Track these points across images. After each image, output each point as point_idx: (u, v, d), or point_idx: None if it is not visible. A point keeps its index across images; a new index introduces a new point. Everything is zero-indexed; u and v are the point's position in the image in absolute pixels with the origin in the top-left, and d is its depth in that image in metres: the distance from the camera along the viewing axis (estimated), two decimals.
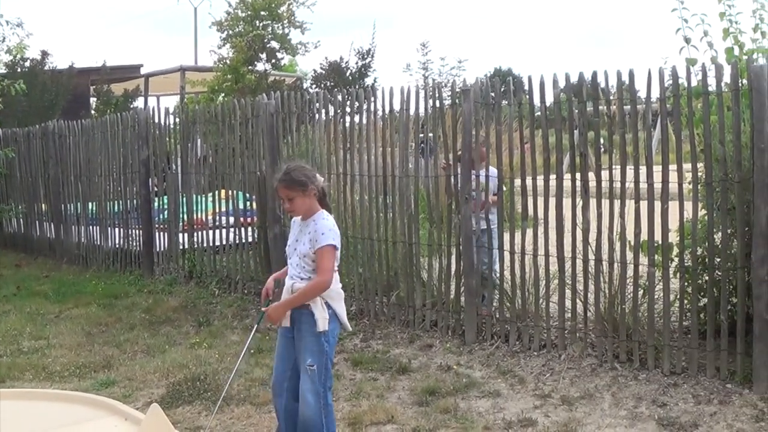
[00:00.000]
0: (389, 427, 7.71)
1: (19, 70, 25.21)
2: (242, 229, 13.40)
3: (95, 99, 31.02)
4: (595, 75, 8.77)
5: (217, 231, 13.90)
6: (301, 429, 6.64)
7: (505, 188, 9.98)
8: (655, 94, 8.51)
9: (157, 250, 15.11)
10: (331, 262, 6.52)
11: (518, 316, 9.49)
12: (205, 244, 14.11)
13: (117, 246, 16.00)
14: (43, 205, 18.49)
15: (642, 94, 8.65)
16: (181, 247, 14.61)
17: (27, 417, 8.02)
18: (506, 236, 9.58)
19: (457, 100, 10.36)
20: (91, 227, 16.80)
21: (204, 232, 14.19)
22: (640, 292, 8.66)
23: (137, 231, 15.44)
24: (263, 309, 6.76)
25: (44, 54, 27.61)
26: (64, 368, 9.90)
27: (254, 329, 7.12)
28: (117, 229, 16.09)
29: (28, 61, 26.50)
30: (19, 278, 15.97)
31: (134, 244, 15.56)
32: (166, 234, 14.95)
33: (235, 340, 10.76)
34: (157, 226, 15.23)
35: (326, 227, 6.52)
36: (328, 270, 6.50)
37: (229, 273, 13.32)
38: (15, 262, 17.82)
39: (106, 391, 8.93)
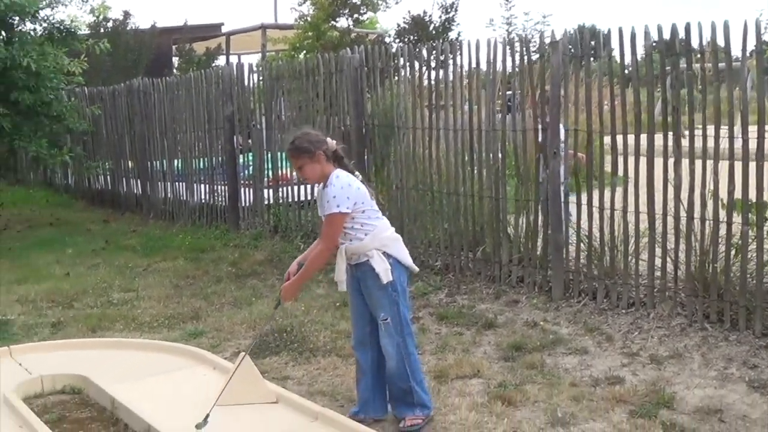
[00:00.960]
0: (475, 381, 7.71)
1: (102, 30, 25.51)
2: None
3: (177, 58, 31.31)
4: (688, 27, 8.58)
5: (302, 186, 13.96)
6: (388, 381, 6.75)
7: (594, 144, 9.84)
8: (751, 47, 8.31)
9: (243, 205, 15.30)
10: (335, 228, 6.49)
11: (606, 273, 9.37)
12: (290, 200, 14.22)
13: (203, 201, 16.21)
14: (129, 162, 18.73)
15: (736, 48, 8.45)
16: (266, 202, 14.78)
17: (118, 365, 8.21)
18: (595, 193, 9.46)
19: (544, 54, 10.23)
20: (177, 183, 17.04)
21: (289, 187, 14.30)
22: (733, 252, 8.48)
23: (223, 186, 15.61)
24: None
25: (126, 14, 27.93)
26: (153, 319, 10.09)
27: (274, 310, 7.09)
28: (203, 185, 16.29)
29: (111, 21, 26.79)
30: (108, 233, 16.27)
31: (220, 199, 15.75)
32: (251, 189, 15.10)
33: (321, 293, 10.84)
34: (242, 181, 15.35)
35: (333, 192, 6.44)
36: (330, 237, 6.52)
37: (313, 227, 13.33)
38: (103, 218, 18.14)
39: (194, 342, 9.09)
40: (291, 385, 7.77)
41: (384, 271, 6.50)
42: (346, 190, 6.44)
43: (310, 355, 8.53)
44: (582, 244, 9.66)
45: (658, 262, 9.01)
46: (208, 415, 6.39)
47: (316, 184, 6.75)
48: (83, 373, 7.96)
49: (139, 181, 18.38)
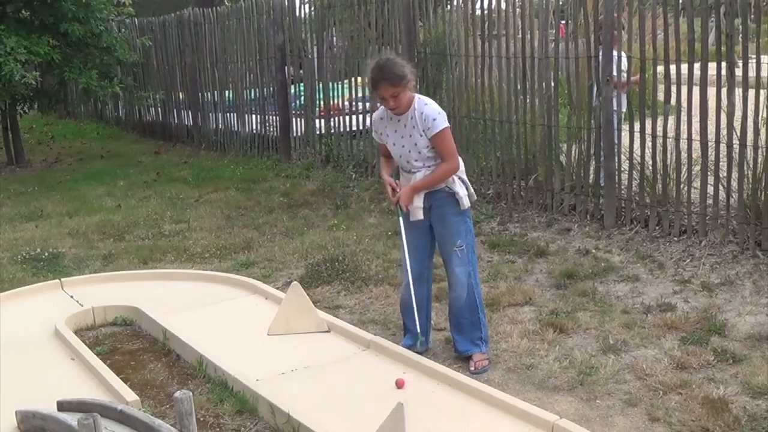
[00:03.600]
0: (527, 308, 7.71)
1: None
2: None
3: None
4: None
5: (353, 116, 13.93)
6: (456, 313, 6.70)
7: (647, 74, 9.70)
8: None
9: (294, 135, 15.26)
10: (453, 143, 6.43)
11: (659, 201, 9.29)
12: (341, 130, 14.18)
13: (254, 132, 16.20)
14: (180, 93, 18.72)
15: None
16: (317, 132, 14.72)
17: (170, 297, 8.28)
18: (648, 120, 9.34)
19: None
20: (228, 114, 17.01)
21: (340, 117, 14.25)
22: None
23: (274, 117, 15.57)
24: (394, 200, 6.61)
25: None
26: (205, 250, 10.15)
27: (400, 222, 6.68)
28: (254, 116, 16.26)
29: None
30: (159, 165, 16.32)
31: (271, 129, 15.73)
32: (302, 119, 15.06)
33: (373, 222, 10.86)
34: (293, 112, 15.32)
35: (434, 111, 6.35)
36: (454, 153, 6.42)
37: (365, 157, 13.36)
38: (154, 150, 18.18)
39: (246, 272, 9.15)
40: (343, 314, 7.82)
41: (465, 196, 6.47)
42: (442, 111, 6.41)
43: (362, 284, 8.56)
44: (634, 172, 9.54)
45: (710, 189, 8.91)
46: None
47: (378, 115, 6.63)
48: (135, 305, 8.04)
49: (190, 113, 18.38)
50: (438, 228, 6.59)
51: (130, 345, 7.47)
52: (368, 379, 6.32)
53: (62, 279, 8.92)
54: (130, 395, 5.90)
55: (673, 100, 9.26)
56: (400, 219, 6.65)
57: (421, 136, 6.33)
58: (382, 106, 6.52)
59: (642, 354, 6.62)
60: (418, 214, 6.51)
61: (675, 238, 9.00)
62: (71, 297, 8.44)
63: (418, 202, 6.48)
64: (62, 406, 5.25)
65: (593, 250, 9.03)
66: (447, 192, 6.47)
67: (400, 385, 5.93)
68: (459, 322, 6.68)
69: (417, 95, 6.42)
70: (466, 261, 6.58)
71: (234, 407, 5.99)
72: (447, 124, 6.35)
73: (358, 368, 6.55)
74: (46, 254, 10.18)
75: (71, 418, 4.60)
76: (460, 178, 6.50)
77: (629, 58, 9.87)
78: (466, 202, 6.48)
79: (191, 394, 4.12)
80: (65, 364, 6.85)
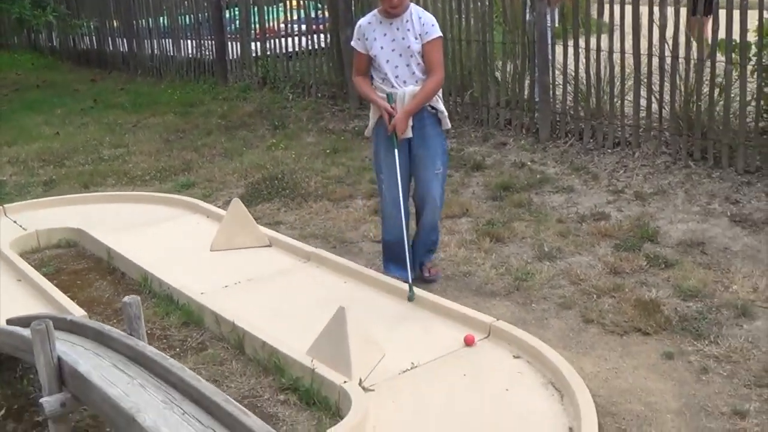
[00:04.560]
0: (464, 219, 7.87)
1: None
2: (314, 35, 13.38)
3: None
4: None
5: (289, 39, 13.95)
6: (423, 233, 6.54)
7: None
8: None
9: (230, 58, 15.21)
10: (442, 54, 6.26)
11: (593, 114, 9.45)
12: (277, 51, 14.19)
13: (190, 57, 16.13)
14: (114, 20, 18.53)
15: None
16: (253, 55, 14.72)
17: (113, 218, 8.34)
18: (581, 35, 9.46)
19: None
20: (163, 40, 16.89)
21: (276, 39, 14.24)
22: (716, 91, 8.53)
23: (209, 41, 15.51)
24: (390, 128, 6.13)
25: None
26: (145, 173, 10.19)
27: (395, 154, 6.18)
28: (189, 41, 16.18)
29: None
30: (95, 92, 16.20)
31: (207, 53, 15.66)
32: (238, 43, 15.02)
33: (311, 141, 10.96)
34: (228, 35, 15.26)
35: (431, 18, 6.19)
36: (442, 64, 6.23)
37: (302, 77, 13.44)
38: (90, 78, 18.02)
39: (186, 192, 9.23)
40: (284, 230, 7.92)
41: (445, 116, 6.34)
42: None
43: (302, 200, 8.68)
44: (569, 86, 9.68)
45: (643, 102, 9.10)
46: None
47: (364, 21, 6.26)
48: (78, 227, 8.10)
49: (124, 40, 18.21)
50: (418, 150, 6.28)
51: (75, 265, 7.53)
52: (310, 289, 6.47)
53: (4, 205, 8.91)
54: (78, 311, 5.97)
55: (606, 17, 9.38)
56: (396, 150, 6.19)
57: (416, 39, 6.09)
58: (367, 15, 6.35)
59: (576, 260, 6.80)
60: (408, 132, 6.21)
61: (609, 150, 9.18)
62: (14, 222, 8.46)
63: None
64: (11, 322, 5.30)
65: (529, 163, 9.18)
66: (429, 111, 6.24)
67: (469, 341, 5.42)
68: (424, 242, 6.57)
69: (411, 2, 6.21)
70: (441, 183, 6.42)
71: (180, 319, 6.12)
72: (441, 35, 6.19)
73: (299, 280, 6.69)
74: None
75: (23, 330, 4.68)
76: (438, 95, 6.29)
77: None
78: (445, 122, 6.34)
79: (139, 298, 4.22)
80: (11, 285, 6.89)
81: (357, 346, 5.04)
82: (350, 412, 4.53)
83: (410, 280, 6.13)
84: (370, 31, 6.22)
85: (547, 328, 5.73)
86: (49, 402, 3.88)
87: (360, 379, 4.94)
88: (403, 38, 6.12)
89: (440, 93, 6.28)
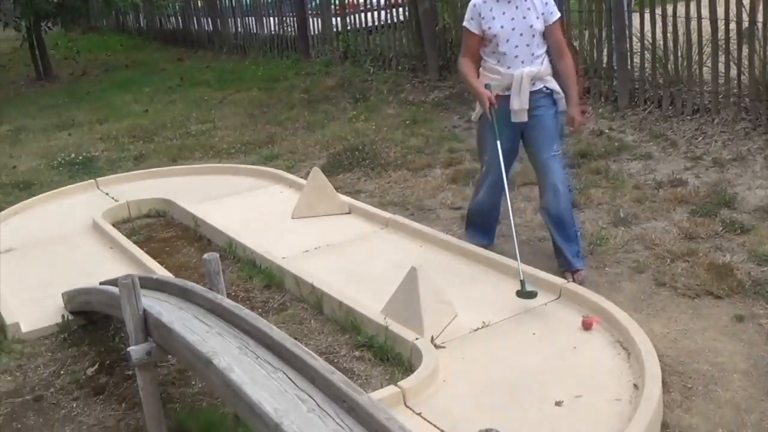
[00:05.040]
0: None
1: None
2: (393, 9, 13.50)
3: None
4: None
5: (369, 13, 14.10)
6: (557, 225, 6.11)
7: None
8: None
9: (312, 34, 15.44)
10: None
11: (671, 81, 9.42)
12: (358, 26, 14.36)
13: (273, 33, 16.38)
14: (199, 1, 18.85)
15: None
16: (334, 29, 14.93)
17: (200, 189, 8.61)
18: (659, 2, 9.44)
19: None
20: (246, 18, 17.18)
21: (356, 14, 14.42)
22: None
23: (291, 18, 15.74)
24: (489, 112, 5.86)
25: None
26: (230, 146, 10.47)
27: (497, 146, 5.90)
28: (272, 17, 16.44)
29: None
30: (182, 70, 16.59)
31: (289, 30, 15.90)
32: (319, 19, 15.24)
33: (391, 113, 11.13)
34: (310, 12, 15.46)
35: None
36: (565, 43, 6.03)
37: (382, 51, 13.57)
38: (176, 57, 18.43)
39: (270, 164, 9.47)
40: (363, 198, 8.11)
41: (563, 97, 5.99)
42: None
43: (381, 170, 8.86)
44: (647, 53, 9.67)
45: (722, 68, 9.01)
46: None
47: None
48: (166, 197, 8.38)
49: (209, 19, 18.56)
50: (532, 131, 5.99)
51: (163, 233, 7.83)
52: (386, 253, 6.64)
53: (97, 179, 9.27)
54: (167, 275, 6.20)
55: None
56: (495, 126, 5.88)
57: (538, 18, 5.83)
58: None
59: (651, 226, 6.84)
60: (523, 117, 5.91)
61: (688, 117, 9.14)
62: (106, 194, 8.80)
63: (524, 103, 5.87)
64: (104, 284, 5.58)
65: (607, 131, 9.21)
66: (544, 92, 5.94)
67: (588, 325, 5.22)
68: (562, 234, 6.10)
69: None
70: (562, 166, 6.12)
71: (262, 282, 6.36)
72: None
73: (376, 245, 6.87)
74: (81, 158, 10.57)
75: (113, 288, 4.92)
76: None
77: None
78: (562, 104, 6.00)
79: (218, 255, 4.42)
80: (105, 252, 7.24)
81: (429, 306, 5.20)
82: (421, 366, 4.70)
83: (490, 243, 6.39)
84: (486, 10, 5.89)
85: (619, 291, 5.81)
86: (136, 351, 4.10)
87: (432, 337, 5.10)
88: (524, 17, 5.84)
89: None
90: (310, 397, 3.28)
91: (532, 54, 5.85)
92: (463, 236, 6.79)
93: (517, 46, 5.82)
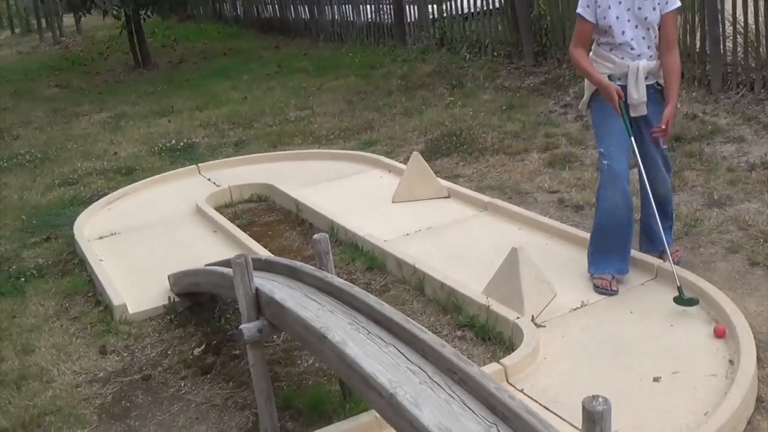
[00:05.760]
0: (634, 169, 8.03)
1: None
2: None
3: None
4: None
5: (465, 0, 14.19)
6: (664, 210, 5.88)
7: None
8: None
9: (408, 21, 15.62)
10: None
11: (764, 64, 9.44)
12: (454, 13, 14.51)
13: (369, 21, 16.63)
14: None
15: None
16: (431, 17, 15.08)
17: (300, 174, 8.87)
18: None
19: None
20: (343, 5, 17.43)
21: (452, 1, 14.58)
22: None
23: (388, 5, 15.95)
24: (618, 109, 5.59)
25: None
26: (329, 132, 10.72)
27: (634, 146, 5.67)
28: (368, 5, 16.65)
29: None
30: (279, 58, 16.89)
31: (386, 17, 16.13)
32: (415, 6, 15.39)
33: (487, 98, 11.27)
34: None
35: None
36: (676, 38, 5.71)
37: (478, 37, 13.71)
38: (274, 45, 18.73)
39: (369, 150, 9.69)
40: (462, 182, 8.29)
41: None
42: None
43: (479, 155, 9.03)
44: (739, 37, 9.71)
45: None
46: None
47: None
48: (268, 182, 8.67)
49: (306, 7, 18.85)
50: (645, 127, 5.73)
51: (266, 218, 8.11)
52: (486, 236, 6.83)
53: (199, 164, 9.59)
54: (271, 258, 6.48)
55: None
56: (626, 123, 5.64)
57: (654, 9, 5.51)
58: None
59: (745, 207, 6.92)
60: (642, 110, 5.67)
61: None
62: (208, 180, 9.11)
63: (642, 95, 5.62)
64: (209, 266, 5.82)
65: (700, 114, 9.26)
66: (656, 88, 5.70)
67: (720, 333, 5.00)
68: (666, 211, 5.95)
69: None
70: (670, 162, 6.02)
71: (364, 264, 6.60)
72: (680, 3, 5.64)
73: (476, 228, 7.06)
74: (181, 144, 10.92)
75: (223, 268, 5.16)
76: None
77: None
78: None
79: (327, 235, 4.63)
80: (208, 236, 7.54)
81: (529, 285, 5.38)
82: (522, 344, 4.91)
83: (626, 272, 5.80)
84: None
85: (714, 271, 5.90)
86: (248, 328, 4.32)
87: (532, 316, 5.29)
88: (640, 8, 5.53)
89: None
90: (422, 369, 3.49)
91: (648, 47, 5.60)
92: (560, 219, 6.96)
93: (632, 39, 5.57)
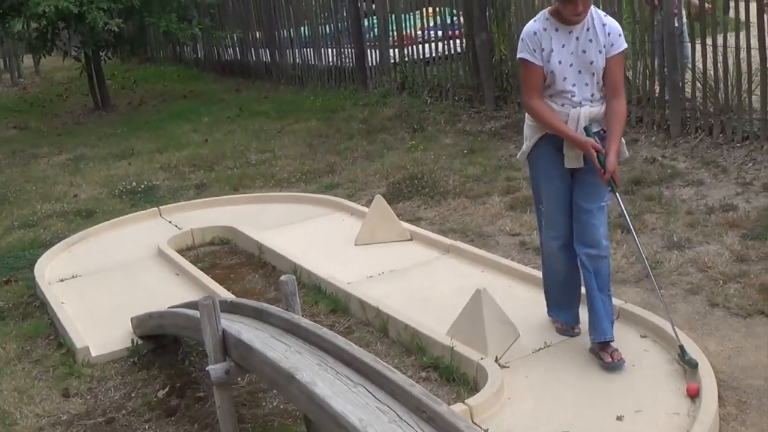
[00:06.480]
0: None
1: None
2: (450, 41, 13.76)
3: None
4: None
5: (426, 45, 14.36)
6: (601, 277, 5.38)
7: None
8: None
9: (369, 65, 15.69)
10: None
11: (722, 109, 9.62)
12: (415, 57, 14.62)
13: (331, 64, 16.66)
14: (256, 32, 19.17)
15: None
16: (392, 61, 15.19)
17: (262, 217, 8.89)
18: (708, 33, 9.64)
19: None
20: (304, 49, 17.48)
21: (413, 46, 14.68)
22: None
23: (349, 49, 16.01)
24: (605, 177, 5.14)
25: None
26: (291, 175, 10.74)
27: (618, 198, 5.39)
28: (330, 49, 16.72)
29: None
30: (240, 101, 16.86)
31: (347, 61, 16.17)
32: (376, 50, 15.51)
33: (449, 142, 11.36)
34: (367, 44, 15.73)
35: (617, 26, 5.21)
36: (623, 84, 5.29)
37: (439, 82, 13.82)
38: (234, 87, 18.69)
39: (330, 193, 9.72)
40: (424, 225, 8.34)
41: (624, 143, 5.38)
42: None
43: (441, 198, 9.10)
44: (697, 83, 9.87)
45: None
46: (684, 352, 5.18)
47: (533, 27, 5.15)
48: (230, 225, 8.67)
49: (267, 50, 18.87)
50: (585, 176, 5.31)
51: (228, 260, 8.11)
52: (449, 278, 6.88)
53: (160, 207, 9.59)
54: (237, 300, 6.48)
55: (732, 13, 9.56)
56: (617, 195, 5.33)
57: (600, 52, 5.10)
58: (537, 19, 5.22)
59: (704, 249, 7.01)
60: (579, 161, 5.26)
61: (738, 144, 9.30)
62: (170, 222, 9.11)
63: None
64: (173, 308, 5.82)
65: (660, 158, 9.39)
66: (602, 135, 5.24)
67: (692, 392, 4.84)
68: (604, 303, 5.38)
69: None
70: (605, 221, 5.46)
71: (328, 307, 6.63)
72: (626, 45, 5.30)
73: (439, 270, 7.11)
74: (142, 187, 10.89)
75: (188, 310, 5.17)
76: None
77: None
78: (625, 150, 5.45)
79: (294, 277, 4.67)
80: (171, 279, 7.55)
81: (493, 327, 5.43)
82: (486, 385, 4.95)
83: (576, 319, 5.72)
84: (545, 41, 5.14)
85: (674, 312, 5.96)
86: (215, 369, 4.35)
87: (496, 357, 5.33)
88: (584, 51, 5.12)
89: None
90: (391, 408, 3.53)
91: (592, 94, 5.17)
92: (522, 261, 7.04)
93: (574, 85, 5.14)
